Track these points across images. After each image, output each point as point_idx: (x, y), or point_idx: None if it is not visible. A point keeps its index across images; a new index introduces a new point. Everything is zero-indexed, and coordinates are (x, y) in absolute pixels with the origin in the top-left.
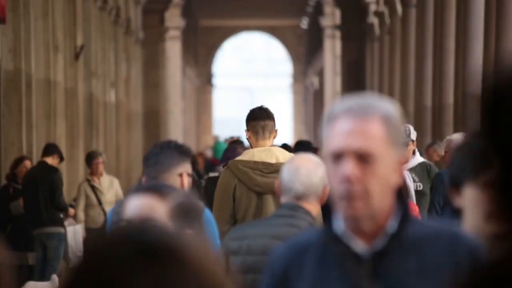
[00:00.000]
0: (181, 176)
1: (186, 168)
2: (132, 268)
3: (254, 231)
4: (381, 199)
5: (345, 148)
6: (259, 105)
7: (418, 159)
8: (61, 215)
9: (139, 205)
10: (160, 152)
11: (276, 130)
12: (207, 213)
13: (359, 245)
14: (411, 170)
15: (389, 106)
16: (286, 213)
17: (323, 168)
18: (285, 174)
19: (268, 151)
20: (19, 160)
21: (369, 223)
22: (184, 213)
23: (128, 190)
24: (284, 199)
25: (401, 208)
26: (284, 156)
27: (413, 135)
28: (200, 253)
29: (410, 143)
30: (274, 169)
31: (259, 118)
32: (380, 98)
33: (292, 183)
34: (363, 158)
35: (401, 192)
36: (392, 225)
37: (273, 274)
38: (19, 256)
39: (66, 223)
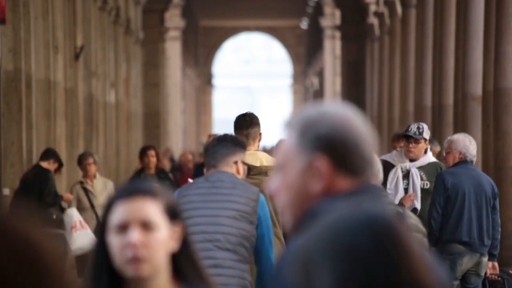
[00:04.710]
0: (236, 163)
1: (240, 157)
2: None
3: None
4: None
5: None
6: (243, 112)
7: (430, 158)
8: (54, 216)
9: (131, 208)
10: (217, 144)
11: (260, 134)
12: (262, 198)
13: None
14: (421, 168)
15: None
16: None
17: None
18: None
19: (254, 155)
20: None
21: None
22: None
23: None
24: None
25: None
26: (267, 159)
27: (426, 133)
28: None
29: (422, 141)
30: (257, 171)
31: (243, 128)
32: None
33: None
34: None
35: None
36: None
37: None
38: None
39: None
